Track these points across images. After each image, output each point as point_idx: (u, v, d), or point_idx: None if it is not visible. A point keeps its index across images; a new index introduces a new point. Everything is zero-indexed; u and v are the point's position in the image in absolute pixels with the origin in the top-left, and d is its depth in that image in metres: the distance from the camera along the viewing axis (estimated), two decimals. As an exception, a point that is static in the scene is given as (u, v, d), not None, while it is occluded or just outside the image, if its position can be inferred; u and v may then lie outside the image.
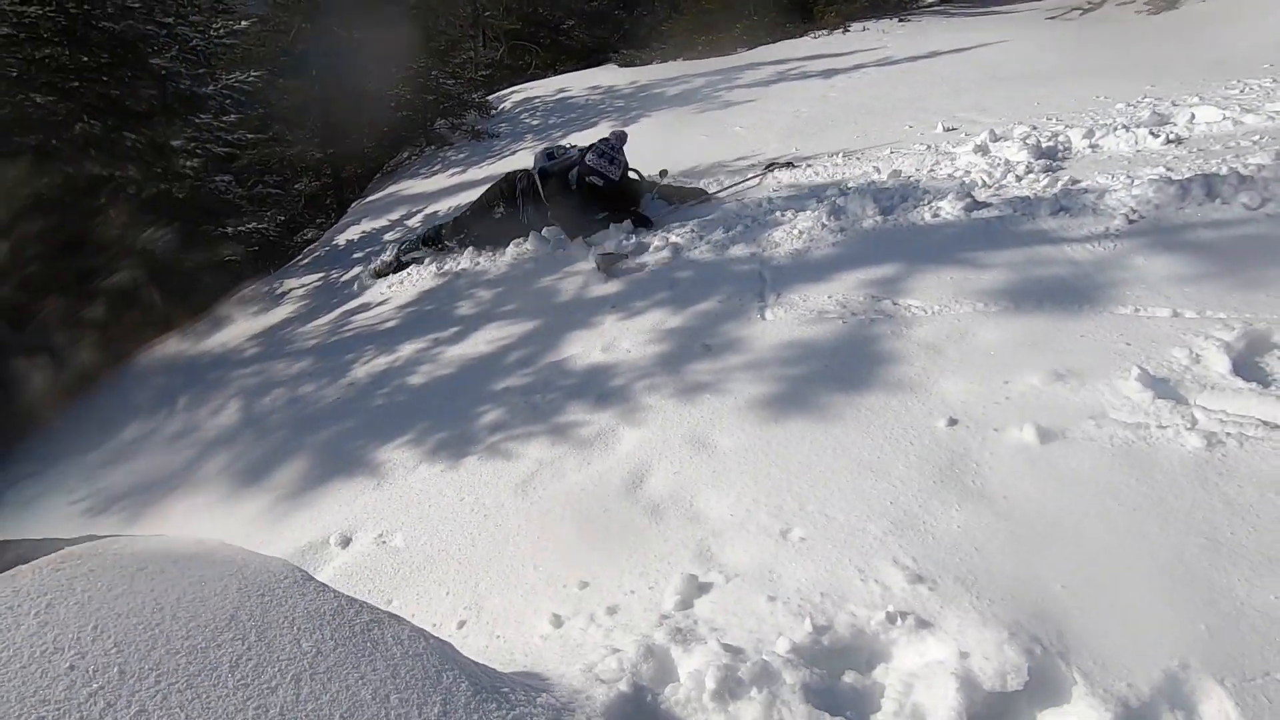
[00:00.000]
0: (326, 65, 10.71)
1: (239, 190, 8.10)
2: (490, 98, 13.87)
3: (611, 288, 4.69)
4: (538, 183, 5.65)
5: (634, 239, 5.21)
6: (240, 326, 6.97)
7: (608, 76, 14.22)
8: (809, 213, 4.84)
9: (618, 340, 3.96)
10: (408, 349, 4.73)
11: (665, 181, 6.23)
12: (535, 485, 2.93)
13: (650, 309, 4.22)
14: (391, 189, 10.75)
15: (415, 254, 6.25)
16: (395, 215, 8.87)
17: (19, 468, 5.16)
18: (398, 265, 6.29)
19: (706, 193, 5.96)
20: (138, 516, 3.77)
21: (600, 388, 3.54)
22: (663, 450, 2.92)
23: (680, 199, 5.87)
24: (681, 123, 9.29)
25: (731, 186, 5.97)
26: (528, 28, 20.32)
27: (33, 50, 6.68)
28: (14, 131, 6.90)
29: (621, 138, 5.71)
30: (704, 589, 2.17)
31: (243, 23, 9.60)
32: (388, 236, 8.08)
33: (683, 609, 2.11)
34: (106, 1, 6.76)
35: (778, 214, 5.10)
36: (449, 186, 9.71)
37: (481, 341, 4.52)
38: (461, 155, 11.36)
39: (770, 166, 6.21)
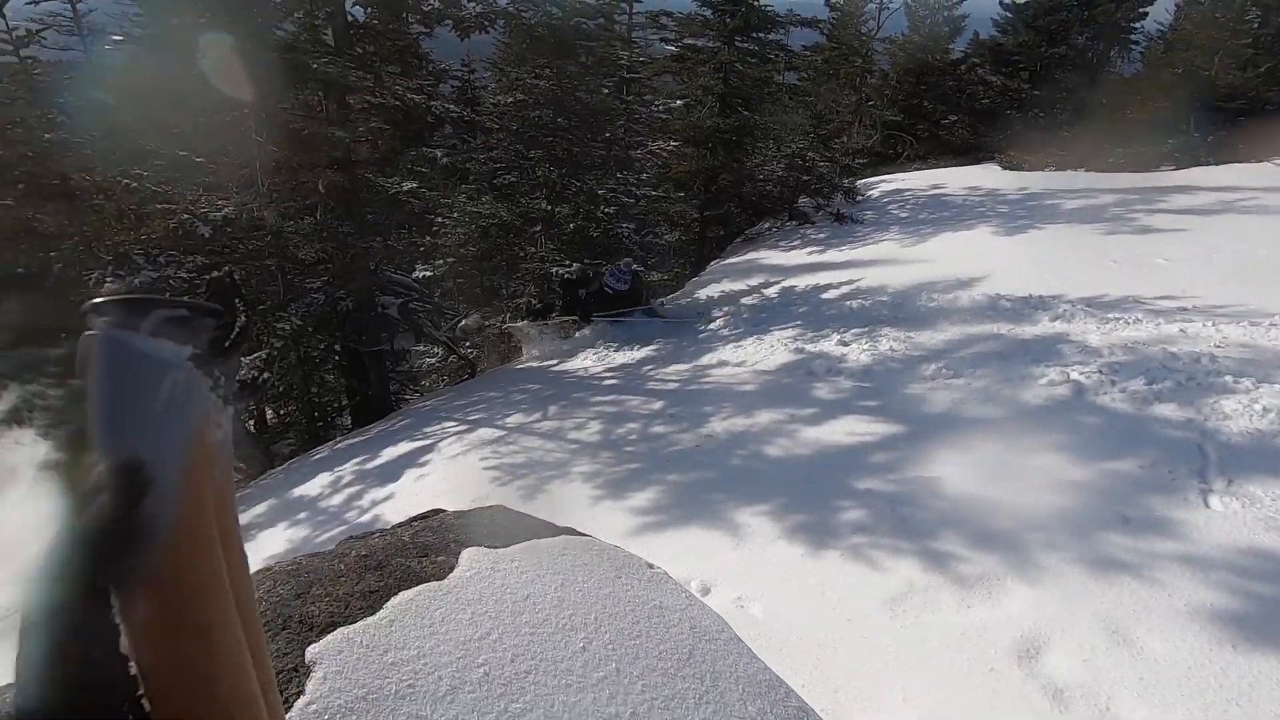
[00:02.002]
0: (724, 140, 11.97)
1: (636, 236, 9.40)
2: (858, 183, 14.08)
3: (995, 412, 4.34)
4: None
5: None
6: (599, 355, 8.03)
7: (989, 177, 13.47)
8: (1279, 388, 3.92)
9: (1001, 476, 3.63)
10: (765, 417, 4.94)
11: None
12: (906, 609, 2.80)
13: (1046, 449, 3.79)
14: (750, 255, 11.50)
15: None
16: (753, 281, 9.45)
17: (436, 428, 6.60)
18: (535, 313, 8.51)
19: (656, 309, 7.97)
20: (534, 494, 4.50)
21: (981, 524, 3.26)
22: (1067, 626, 2.57)
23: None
24: (1083, 243, 8.32)
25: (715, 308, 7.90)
26: (908, 119, 20.30)
27: (531, 112, 8.67)
28: (499, 172, 9.04)
29: (629, 264, 8.35)
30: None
31: (678, 102, 11.27)
32: (745, 300, 8.64)
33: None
34: (589, 80, 8.49)
35: (1228, 379, 4.24)
36: (807, 264, 10.05)
37: (840, 431, 4.52)
38: (822, 235, 11.69)
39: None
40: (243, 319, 0.49)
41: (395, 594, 1.68)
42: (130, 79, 8.68)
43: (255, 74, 7.13)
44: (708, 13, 12.50)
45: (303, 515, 5.33)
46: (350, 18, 7.44)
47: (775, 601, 2.99)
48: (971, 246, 9.00)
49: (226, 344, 0.48)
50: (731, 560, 3.34)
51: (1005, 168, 14.62)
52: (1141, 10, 18.08)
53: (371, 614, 1.60)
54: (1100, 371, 4.58)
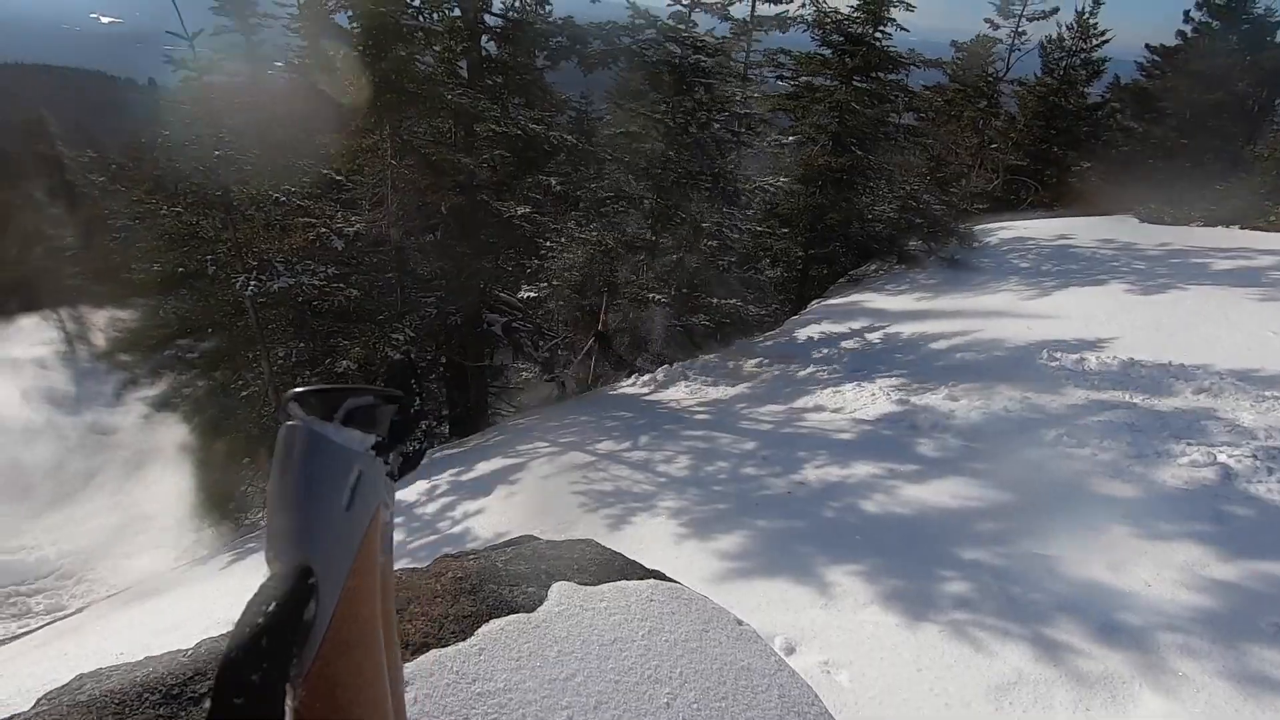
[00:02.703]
0: (834, 179, 11.78)
1: (737, 272, 9.36)
2: (976, 229, 13.43)
3: (1125, 490, 3.95)
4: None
5: None
6: (692, 388, 7.99)
7: (1125, 230, 12.52)
8: None
9: (1129, 563, 3.29)
10: (862, 470, 4.73)
11: None
12: (1014, 702, 2.56)
13: (1186, 540, 3.41)
14: (854, 296, 11.17)
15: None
16: (856, 324, 9.16)
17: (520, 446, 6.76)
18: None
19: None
20: (621, 524, 4.51)
21: (1104, 615, 2.95)
22: (1208, 749, 2.26)
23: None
24: (1235, 308, 7.53)
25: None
26: (1034, 164, 19.27)
27: (643, 144, 8.86)
28: (607, 201, 9.28)
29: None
30: None
31: (789, 139, 11.23)
32: (845, 344, 8.38)
33: None
34: (700, 115, 8.60)
35: None
36: (914, 310, 9.64)
37: (945, 492, 4.25)
38: (932, 281, 11.21)
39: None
40: (419, 402, 0.50)
41: (487, 621, 1.70)
42: (287, 102, 9.62)
43: (395, 102, 7.74)
44: (826, 52, 12.43)
45: (399, 520, 5.57)
46: (484, 52, 7.91)
47: (865, 671, 2.81)
48: (1102, 304, 8.34)
49: (405, 428, 0.49)
50: (819, 620, 3.19)
51: (1144, 220, 13.55)
52: (1315, 55, 16.43)
53: (463, 639, 1.63)
54: (1255, 456, 4.09)
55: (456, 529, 5.02)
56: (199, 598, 5.38)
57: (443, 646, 1.59)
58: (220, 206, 7.13)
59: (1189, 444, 4.40)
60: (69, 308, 16.15)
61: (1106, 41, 18.73)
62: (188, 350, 7.14)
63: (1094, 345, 6.83)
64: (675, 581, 2.13)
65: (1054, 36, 18.96)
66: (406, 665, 1.52)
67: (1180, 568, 3.20)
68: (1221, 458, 4.15)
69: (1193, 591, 3.02)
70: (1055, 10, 18.37)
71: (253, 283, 6.90)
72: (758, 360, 8.27)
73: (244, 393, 7.55)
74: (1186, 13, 17.10)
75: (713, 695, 1.66)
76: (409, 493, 6.04)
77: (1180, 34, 17.34)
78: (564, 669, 1.59)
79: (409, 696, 1.43)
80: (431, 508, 5.58)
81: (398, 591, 1.82)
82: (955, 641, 2.92)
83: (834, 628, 3.12)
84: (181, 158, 7.05)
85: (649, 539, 4.24)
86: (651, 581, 2.05)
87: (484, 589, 1.85)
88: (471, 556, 2.25)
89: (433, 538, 4.99)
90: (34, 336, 16.49)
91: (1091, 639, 2.81)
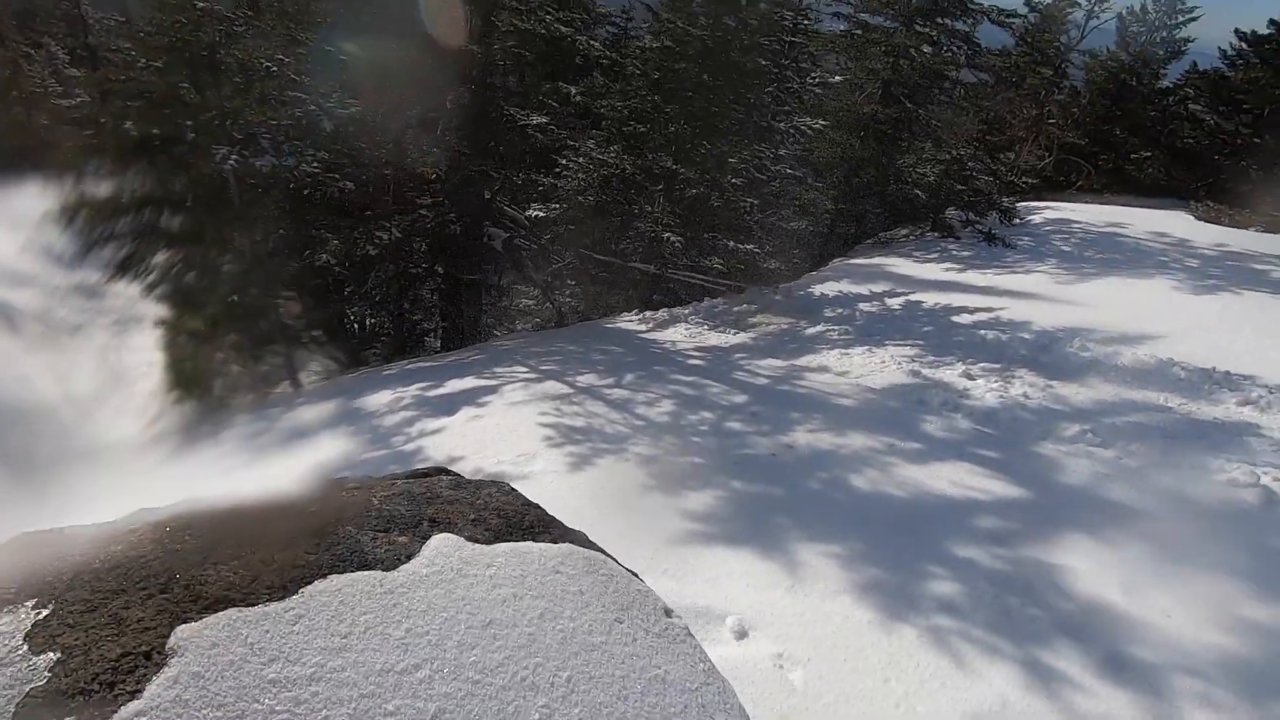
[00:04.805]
0: (878, 131, 10.93)
1: (758, 215, 8.72)
2: (1019, 205, 12.58)
3: (1151, 502, 3.48)
4: None
5: None
6: (691, 330, 7.49)
7: (1181, 226, 11.68)
8: None
9: (1148, 587, 2.84)
10: (859, 440, 4.27)
11: None
12: (994, 735, 2.16)
13: (1217, 570, 2.95)
14: (879, 260, 10.52)
15: None
16: (877, 287, 8.56)
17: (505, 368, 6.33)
18: None
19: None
20: (584, 465, 4.08)
21: (1113, 645, 2.53)
22: (1224, 830, 1.85)
23: None
24: (1293, 320, 6.89)
25: None
26: (1091, 145, 18.08)
27: (677, 63, 8.08)
28: (630, 120, 8.56)
29: None
30: None
31: (836, 78, 10.34)
32: (863, 306, 7.81)
33: None
34: (744, 34, 7.78)
35: None
36: (942, 280, 9.01)
37: (946, 478, 3.80)
38: (965, 253, 10.51)
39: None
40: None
41: (322, 577, 1.26)
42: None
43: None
44: (892, -13, 11.35)
45: (356, 428, 5.20)
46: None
47: (823, 672, 2.41)
48: (1146, 298, 7.70)
49: None
50: (781, 604, 2.78)
51: (1200, 218, 12.67)
52: None
53: (279, 599, 1.19)
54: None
55: (409, 446, 4.63)
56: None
57: (248, 606, 1.16)
58: (206, 66, 6.51)
59: (1229, 459, 3.90)
60: (73, 170, 15.71)
61: (1194, 19, 17.19)
62: (162, 221, 6.67)
63: (1132, 340, 6.26)
64: (598, 550, 1.69)
65: (1137, 8, 17.43)
66: (184, 628, 1.09)
67: (1207, 601, 2.75)
68: (1266, 479, 3.67)
69: (1220, 631, 2.58)
70: (1145, -24, 16.85)
71: (233, 157, 6.35)
72: (765, 310, 7.73)
73: (223, 269, 7.12)
74: (1288, -2, 15.62)
75: (605, 714, 1.23)
76: (370, 401, 5.67)
77: (1273, 23, 15.87)
78: (407, 657, 1.16)
79: (170, 672, 1.01)
80: (390, 420, 5.20)
81: (213, 529, 1.36)
82: (934, 651, 2.51)
83: (797, 615, 2.71)
84: (165, 9, 6.40)
85: (611, 485, 3.83)
86: (565, 548, 1.59)
87: (339, 532, 1.41)
88: (355, 485, 1.81)
89: (382, 452, 4.62)
90: (42, 195, 16.11)
91: (1094, 672, 2.40)
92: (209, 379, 8.39)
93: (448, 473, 1.98)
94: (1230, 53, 17.71)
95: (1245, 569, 2.97)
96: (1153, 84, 18.20)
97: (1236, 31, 17.62)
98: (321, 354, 8.98)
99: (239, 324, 7.29)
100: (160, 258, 7.33)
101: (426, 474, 1.93)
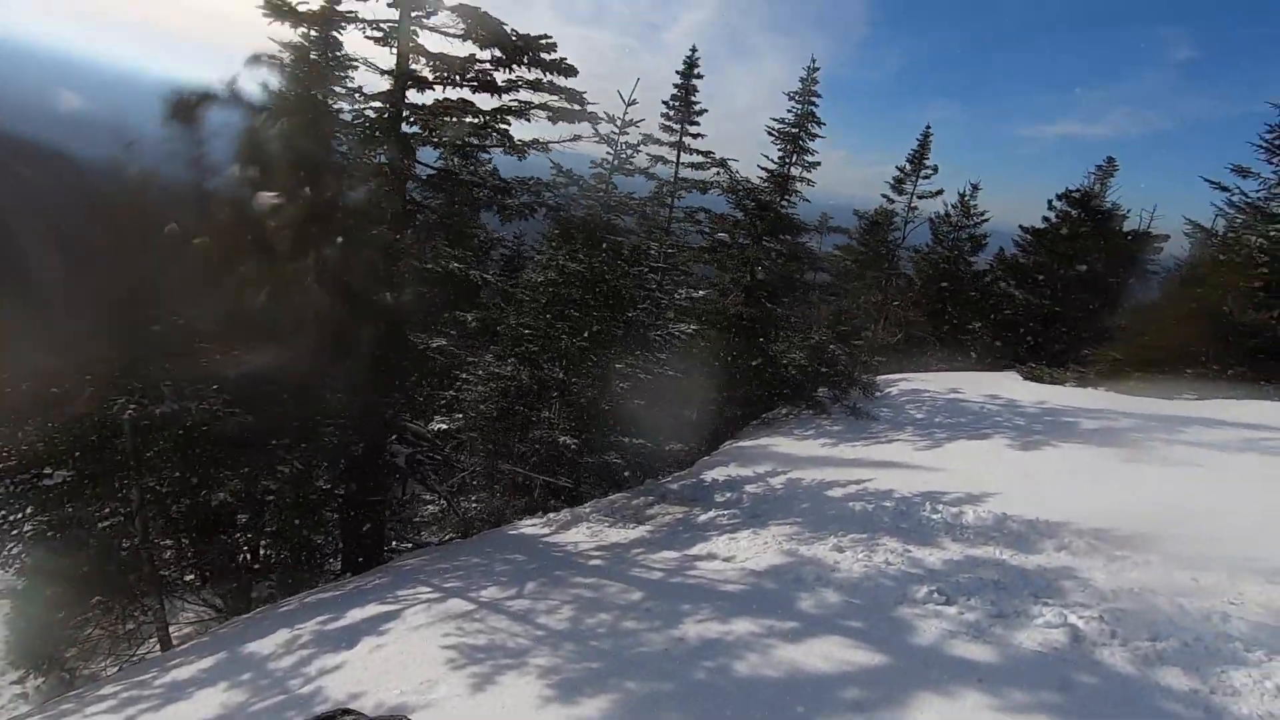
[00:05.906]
0: (744, 328, 12.51)
1: (652, 411, 9.58)
2: (879, 379, 14.30)
3: (984, 653, 4.02)
4: None
5: None
6: (593, 530, 7.83)
7: (1009, 387, 13.56)
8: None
9: (983, 734, 3.29)
10: (742, 626, 4.66)
11: None
12: None
13: (1033, 709, 3.45)
14: (764, 440, 11.50)
15: None
16: (761, 468, 9.36)
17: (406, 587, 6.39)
18: None
19: None
20: (486, 684, 4.19)
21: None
22: None
23: None
24: (1101, 466, 8.14)
25: None
26: (931, 322, 21.01)
27: (562, 289, 9.27)
28: (523, 343, 9.52)
29: None
30: None
31: (700, 292, 12.01)
32: (749, 489, 8.51)
33: None
34: (619, 265, 9.16)
35: (1238, 646, 3.91)
36: (818, 456, 9.97)
37: (818, 654, 4.22)
38: (836, 427, 11.71)
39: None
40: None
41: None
42: (214, 222, 9.62)
43: (323, 232, 7.88)
44: (739, 214, 13.66)
45: (247, 676, 5.04)
46: (409, 198, 8.31)
47: None
48: (984, 458, 8.88)
49: None
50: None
51: (1026, 377, 14.77)
52: (1156, 245, 19.06)
53: None
54: (1101, 619, 4.28)
55: (307, 688, 4.57)
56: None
57: None
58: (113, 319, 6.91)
59: (1046, 604, 4.57)
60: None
61: (986, 220, 21.32)
62: (44, 478, 6.57)
63: (975, 499, 7.17)
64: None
65: (941, 214, 21.45)
66: None
67: (1029, 739, 3.22)
68: (1072, 619, 4.32)
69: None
70: (940, 191, 20.97)
71: (131, 406, 6.56)
72: (661, 500, 8.26)
73: (103, 524, 6.91)
74: (1050, 201, 19.79)
75: None
76: (266, 643, 5.53)
77: (1045, 219, 19.92)
78: None
79: None
80: (286, 661, 5.09)
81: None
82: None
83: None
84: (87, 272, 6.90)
85: (511, 703, 3.97)
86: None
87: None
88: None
89: (279, 698, 4.52)
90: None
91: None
92: (59, 651, 7.65)
93: (349, 712, 2.22)
94: (1020, 241, 21.75)
95: (1057, 707, 3.48)
96: (969, 269, 21.88)
97: (1020, 227, 21.74)
98: (200, 600, 8.50)
99: (105, 582, 6.95)
100: (29, 525, 7.09)
101: (331, 716, 2.16)
